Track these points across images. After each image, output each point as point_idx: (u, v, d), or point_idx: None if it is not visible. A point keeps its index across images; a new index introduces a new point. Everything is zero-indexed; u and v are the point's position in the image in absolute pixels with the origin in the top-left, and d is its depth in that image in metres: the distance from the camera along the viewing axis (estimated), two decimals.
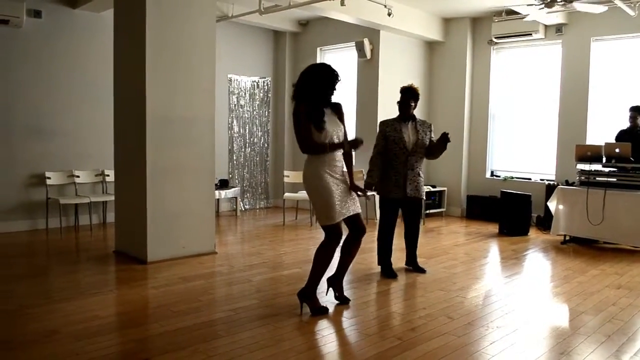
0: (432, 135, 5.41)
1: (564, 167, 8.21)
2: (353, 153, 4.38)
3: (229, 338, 3.68)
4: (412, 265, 5.60)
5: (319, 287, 4.31)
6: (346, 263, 4.42)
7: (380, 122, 5.48)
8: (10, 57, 7.15)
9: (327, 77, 4.11)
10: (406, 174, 5.29)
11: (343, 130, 4.22)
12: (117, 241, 6.23)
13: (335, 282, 4.49)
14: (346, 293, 4.59)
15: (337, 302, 4.47)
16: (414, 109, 5.38)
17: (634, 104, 7.09)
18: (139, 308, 4.40)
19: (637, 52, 7.79)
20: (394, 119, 5.41)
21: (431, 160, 5.48)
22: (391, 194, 5.32)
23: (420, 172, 5.39)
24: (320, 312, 4.19)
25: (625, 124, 7.15)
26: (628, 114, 7.07)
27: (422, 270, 5.55)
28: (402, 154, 5.27)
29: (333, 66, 4.22)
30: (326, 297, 4.50)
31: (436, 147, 5.29)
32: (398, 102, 5.39)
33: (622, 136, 7.06)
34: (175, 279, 5.13)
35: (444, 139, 5.14)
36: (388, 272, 5.38)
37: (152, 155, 5.64)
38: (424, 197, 5.58)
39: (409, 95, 5.34)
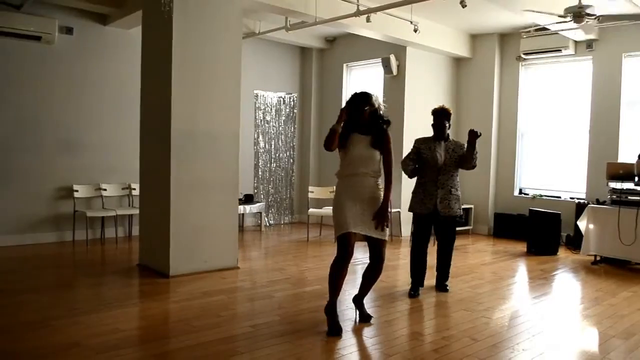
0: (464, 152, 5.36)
1: (594, 185, 8.00)
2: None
3: (249, 355, 3.65)
4: (438, 285, 5.49)
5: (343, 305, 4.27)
6: (366, 286, 4.45)
7: (416, 139, 5.50)
8: (42, 72, 7.31)
9: (351, 102, 4.23)
10: (436, 192, 5.25)
11: (378, 154, 4.25)
12: (141, 255, 6.26)
13: (356, 302, 4.51)
14: (369, 311, 4.53)
15: (360, 320, 4.43)
16: (449, 129, 5.40)
17: None
18: (159, 322, 4.40)
19: None
20: (428, 138, 5.42)
21: (468, 169, 5.39)
22: (415, 209, 5.33)
23: (454, 189, 5.33)
24: (332, 332, 4.09)
25: None
26: None
27: (445, 290, 5.44)
28: (432, 172, 5.26)
29: (362, 89, 4.39)
30: (352, 316, 4.49)
31: (466, 151, 5.24)
32: (433, 125, 5.38)
33: None
34: (196, 293, 5.12)
35: (472, 135, 5.11)
36: (414, 291, 5.29)
37: (176, 169, 5.68)
38: (459, 215, 5.44)
39: (443, 117, 5.35)
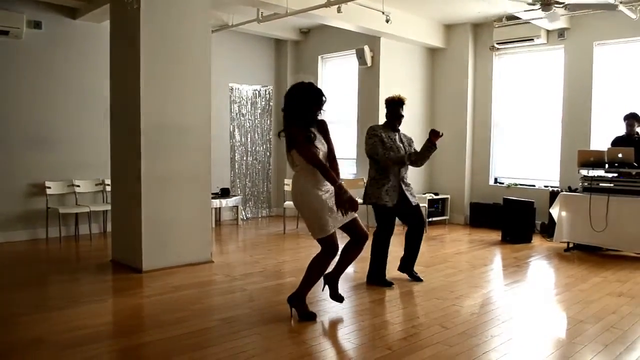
0: (413, 150, 5.36)
1: (567, 173, 8.09)
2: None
3: (218, 347, 3.63)
4: (409, 274, 5.50)
5: (313, 297, 4.27)
6: (344, 264, 4.39)
7: (375, 127, 5.33)
8: (10, 67, 7.18)
9: (316, 97, 4.07)
10: (400, 182, 5.23)
11: (327, 146, 4.13)
12: (114, 250, 6.21)
13: (331, 281, 4.44)
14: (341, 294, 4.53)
15: (331, 298, 4.43)
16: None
17: (629, 112, 6.97)
18: (129, 317, 4.36)
19: None
20: (384, 127, 5.32)
21: (417, 166, 5.40)
22: (382, 201, 5.17)
23: (407, 179, 5.36)
24: (308, 317, 4.16)
25: (622, 131, 7.03)
26: (624, 122, 6.94)
27: (419, 279, 5.46)
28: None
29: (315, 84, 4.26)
30: (322, 295, 4.50)
31: (425, 150, 5.19)
32: (393, 114, 5.28)
33: (617, 143, 6.94)
34: (168, 287, 5.09)
35: (434, 134, 5.06)
36: (384, 282, 5.28)
37: (147, 163, 5.62)
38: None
39: (401, 106, 5.28)
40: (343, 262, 4.37)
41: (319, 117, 4.16)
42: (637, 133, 6.91)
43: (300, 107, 4.06)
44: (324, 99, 4.09)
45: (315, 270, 4.19)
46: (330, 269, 4.36)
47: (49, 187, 7.45)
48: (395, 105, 5.28)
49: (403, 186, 5.24)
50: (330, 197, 4.07)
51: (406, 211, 5.31)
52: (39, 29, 7.38)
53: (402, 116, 5.29)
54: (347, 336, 3.94)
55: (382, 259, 5.29)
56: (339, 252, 4.25)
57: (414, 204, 5.29)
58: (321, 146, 4.09)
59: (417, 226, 5.43)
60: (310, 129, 4.06)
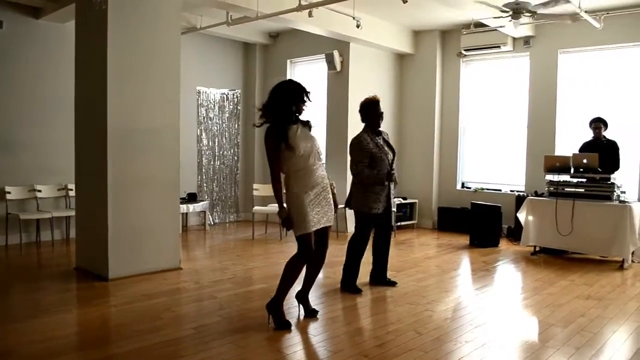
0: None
1: (533, 178, 8.23)
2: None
3: (191, 357, 3.55)
4: (382, 280, 5.48)
5: (288, 302, 4.24)
6: (312, 277, 4.39)
7: (360, 140, 5.18)
8: None
9: (300, 92, 4.07)
10: (389, 188, 5.21)
11: (313, 144, 4.14)
12: (78, 258, 6.02)
13: (301, 298, 4.45)
14: (314, 308, 4.50)
15: (305, 316, 4.40)
16: None
17: (595, 116, 7.13)
18: (98, 327, 4.22)
19: (603, 64, 7.89)
20: (367, 134, 5.21)
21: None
22: (374, 209, 5.14)
23: None
24: (283, 326, 4.11)
25: (589, 137, 7.18)
26: (590, 126, 7.10)
27: (393, 283, 5.45)
28: (384, 167, 5.14)
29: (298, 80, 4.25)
30: (297, 313, 4.43)
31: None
32: (373, 117, 5.21)
33: (586, 148, 7.09)
34: (137, 296, 4.96)
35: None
36: (355, 289, 5.25)
37: (113, 168, 5.47)
38: None
39: (378, 104, 5.23)
40: (310, 275, 4.36)
41: (303, 117, 4.18)
42: (604, 137, 7.06)
43: (287, 104, 4.04)
44: (309, 94, 4.09)
45: (290, 274, 4.16)
46: (298, 286, 4.37)
47: (9, 192, 7.19)
48: (374, 105, 5.23)
49: (392, 191, 5.25)
50: (320, 194, 4.10)
51: (383, 215, 5.31)
52: (0, 29, 7.14)
53: (382, 113, 5.26)
54: (323, 344, 3.90)
55: (357, 265, 5.27)
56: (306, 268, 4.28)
57: (393, 208, 5.30)
58: (311, 142, 4.10)
59: (387, 230, 5.43)
60: (293, 125, 4.06)
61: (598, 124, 7.03)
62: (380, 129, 5.30)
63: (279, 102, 4.04)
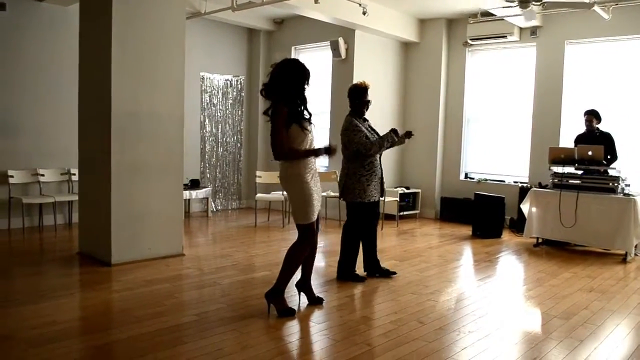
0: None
1: (537, 169, 8.20)
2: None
3: (193, 344, 3.54)
4: (378, 269, 5.44)
5: (287, 291, 4.25)
6: (311, 264, 4.40)
7: (353, 118, 5.19)
8: None
9: (304, 72, 4.10)
10: (382, 174, 5.23)
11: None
12: (81, 242, 6.02)
13: (304, 286, 4.44)
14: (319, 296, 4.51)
15: (310, 304, 4.41)
16: None
17: (588, 109, 7.08)
18: (99, 313, 4.22)
19: (611, 55, 7.82)
20: (355, 119, 5.19)
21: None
22: (370, 197, 5.14)
23: None
24: (287, 313, 4.11)
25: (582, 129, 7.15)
26: (583, 118, 7.07)
27: (390, 273, 5.43)
28: (378, 155, 5.19)
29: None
30: (297, 302, 4.42)
31: (398, 143, 5.27)
32: (363, 103, 5.20)
33: (579, 140, 7.07)
34: (139, 282, 4.95)
35: (407, 134, 5.26)
36: (357, 277, 5.24)
37: (117, 153, 5.45)
38: None
39: (367, 91, 5.20)
40: (307, 262, 4.36)
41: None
42: (597, 129, 7.02)
43: (293, 83, 4.04)
44: (309, 74, 4.13)
45: (292, 262, 4.15)
46: (297, 277, 4.39)
47: (12, 176, 7.18)
48: (363, 92, 5.20)
49: (383, 178, 5.26)
50: (312, 178, 4.12)
51: (377, 203, 5.32)
52: (2, 11, 7.06)
53: (370, 101, 5.24)
54: (326, 332, 3.89)
55: (354, 253, 5.26)
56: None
57: (383, 195, 5.32)
58: (311, 127, 4.13)
59: (376, 219, 5.45)
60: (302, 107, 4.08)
61: (590, 116, 7.00)
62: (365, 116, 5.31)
63: (295, 81, 4.04)
